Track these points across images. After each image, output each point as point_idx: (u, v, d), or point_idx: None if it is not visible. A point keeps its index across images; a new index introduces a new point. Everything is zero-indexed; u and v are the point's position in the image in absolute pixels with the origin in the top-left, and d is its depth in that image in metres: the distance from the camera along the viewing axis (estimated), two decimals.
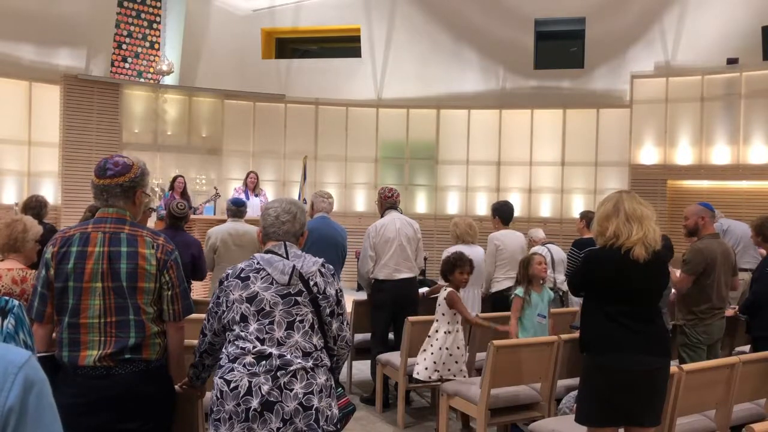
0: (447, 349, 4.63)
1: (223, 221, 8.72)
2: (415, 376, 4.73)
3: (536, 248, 6.49)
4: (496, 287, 6.06)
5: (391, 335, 5.74)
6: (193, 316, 3.77)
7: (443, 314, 4.72)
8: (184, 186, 9.59)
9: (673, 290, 4.78)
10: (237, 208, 6.13)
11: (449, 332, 4.67)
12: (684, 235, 5.08)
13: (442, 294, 4.78)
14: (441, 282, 5.18)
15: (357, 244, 9.20)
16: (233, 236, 5.88)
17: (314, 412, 2.48)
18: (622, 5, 11.67)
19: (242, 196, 9.71)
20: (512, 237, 6.18)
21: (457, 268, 4.81)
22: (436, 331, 4.71)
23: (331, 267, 2.73)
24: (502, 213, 6.25)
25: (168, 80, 11.91)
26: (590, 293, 3.36)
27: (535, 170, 11.94)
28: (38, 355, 2.64)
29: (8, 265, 3.47)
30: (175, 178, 9.64)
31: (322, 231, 5.53)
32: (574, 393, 3.80)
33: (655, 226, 3.25)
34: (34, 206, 5.98)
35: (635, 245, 3.16)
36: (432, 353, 4.65)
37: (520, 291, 4.73)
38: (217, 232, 5.90)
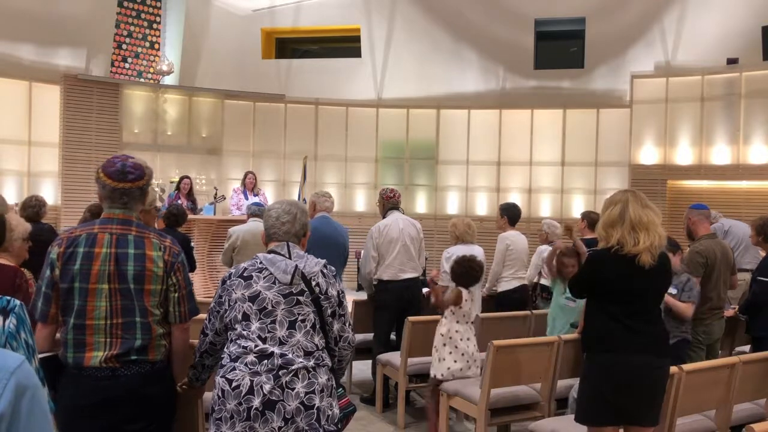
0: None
1: (223, 221, 8.88)
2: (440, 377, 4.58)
3: (543, 248, 6.47)
4: (503, 287, 6.09)
5: (392, 336, 5.74)
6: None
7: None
8: (191, 187, 9.56)
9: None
10: (258, 208, 6.42)
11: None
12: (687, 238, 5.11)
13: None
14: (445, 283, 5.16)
15: (357, 245, 9.21)
16: (255, 235, 5.99)
17: (315, 411, 2.49)
18: (622, 5, 11.67)
19: (241, 197, 9.74)
20: (519, 239, 6.25)
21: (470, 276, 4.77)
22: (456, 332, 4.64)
23: (333, 268, 2.74)
24: (511, 213, 6.28)
25: (168, 80, 11.91)
26: (593, 294, 3.36)
27: (535, 170, 11.94)
28: (42, 355, 2.63)
29: None
30: (181, 179, 9.59)
31: (324, 231, 5.52)
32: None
33: (661, 231, 3.22)
34: (34, 205, 5.99)
35: (642, 253, 3.14)
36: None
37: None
38: (239, 231, 6.16)
